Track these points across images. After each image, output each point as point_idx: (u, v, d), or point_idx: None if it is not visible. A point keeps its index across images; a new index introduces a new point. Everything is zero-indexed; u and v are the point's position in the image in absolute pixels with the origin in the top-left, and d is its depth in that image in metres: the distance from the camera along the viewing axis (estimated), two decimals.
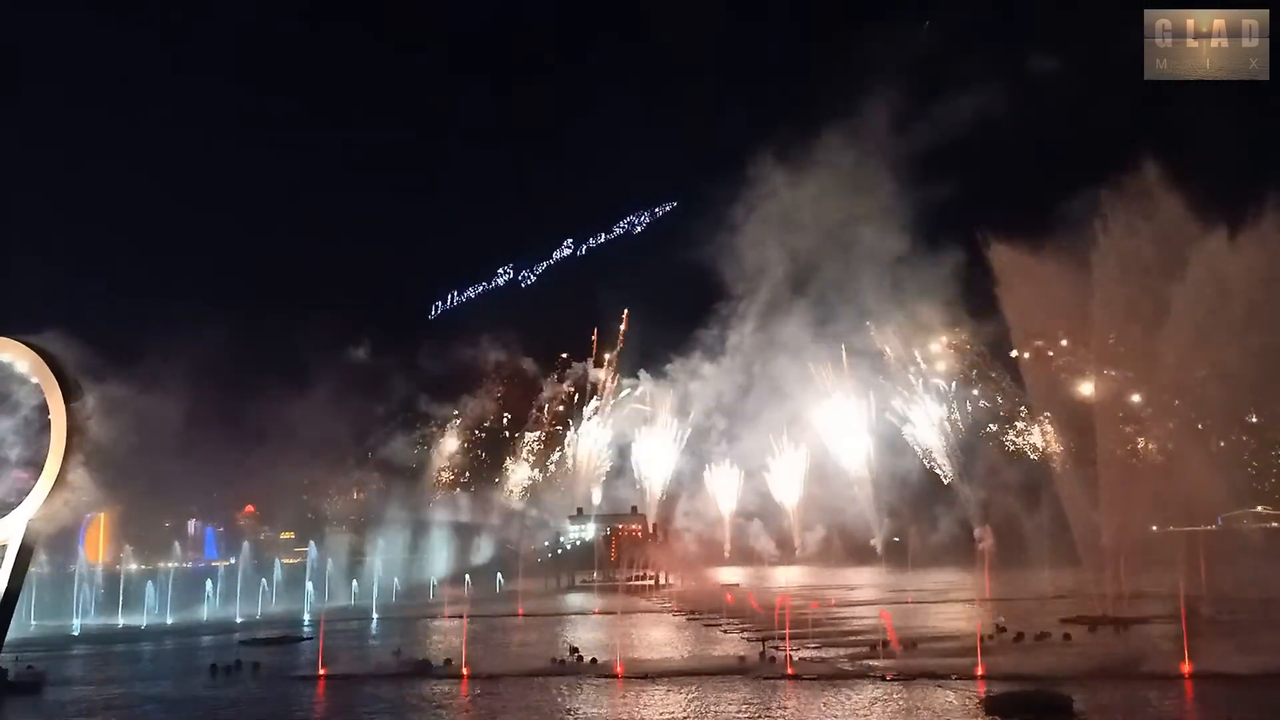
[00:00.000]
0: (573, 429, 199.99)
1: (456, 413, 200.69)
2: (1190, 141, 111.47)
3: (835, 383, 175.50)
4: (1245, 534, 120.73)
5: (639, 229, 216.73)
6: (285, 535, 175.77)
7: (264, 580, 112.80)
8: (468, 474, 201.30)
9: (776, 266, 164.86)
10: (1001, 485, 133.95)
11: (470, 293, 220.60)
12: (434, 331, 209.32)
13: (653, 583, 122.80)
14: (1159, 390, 79.63)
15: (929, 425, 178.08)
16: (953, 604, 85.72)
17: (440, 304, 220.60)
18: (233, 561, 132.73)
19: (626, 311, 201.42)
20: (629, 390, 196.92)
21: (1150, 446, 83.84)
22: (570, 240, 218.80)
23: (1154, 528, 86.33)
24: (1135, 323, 79.37)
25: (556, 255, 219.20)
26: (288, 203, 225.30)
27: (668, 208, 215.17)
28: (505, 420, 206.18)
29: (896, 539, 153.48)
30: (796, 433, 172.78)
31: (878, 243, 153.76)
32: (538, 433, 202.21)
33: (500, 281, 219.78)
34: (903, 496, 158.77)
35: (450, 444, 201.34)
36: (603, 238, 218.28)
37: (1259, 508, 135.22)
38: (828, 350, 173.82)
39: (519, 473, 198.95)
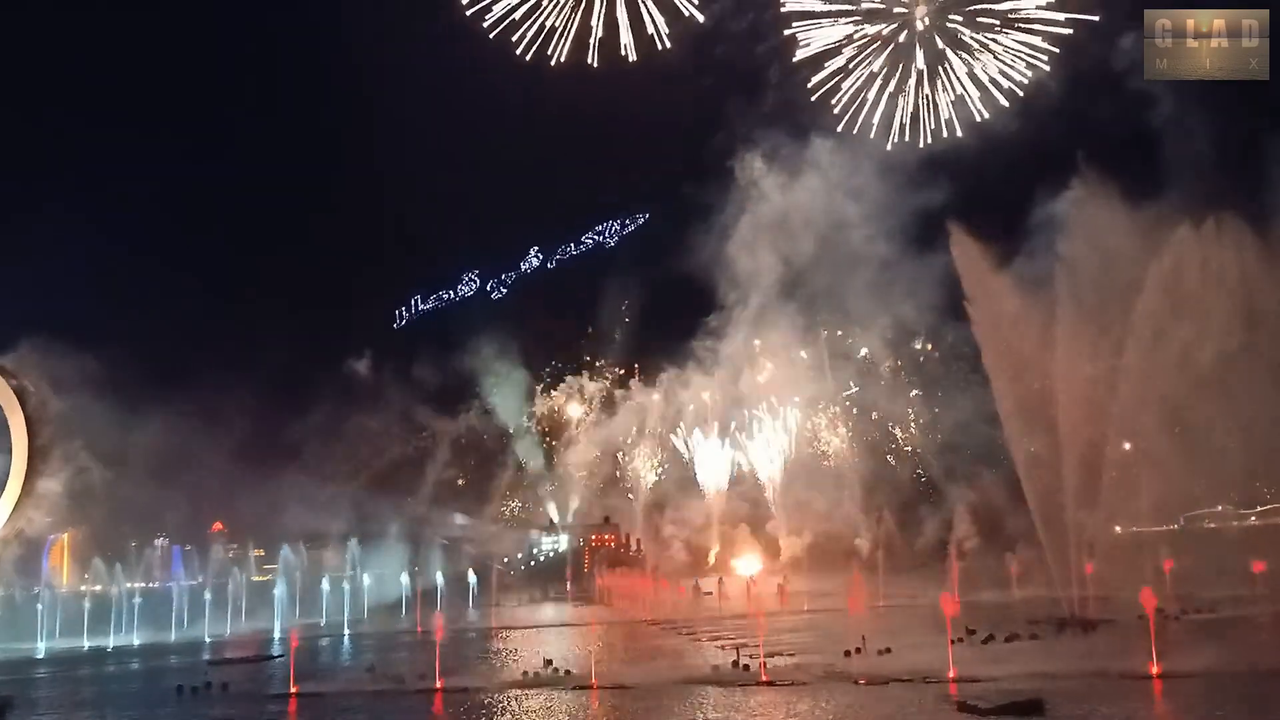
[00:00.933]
0: (561, 443, 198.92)
1: (439, 428, 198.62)
2: (1179, 141, 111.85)
3: (819, 388, 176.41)
4: (1208, 533, 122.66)
5: (625, 238, 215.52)
6: (256, 553, 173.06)
7: (232, 598, 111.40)
8: (447, 489, 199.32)
9: (767, 274, 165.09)
10: (976, 489, 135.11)
11: (437, 301, 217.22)
12: (417, 345, 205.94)
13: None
14: (1126, 392, 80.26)
15: (908, 429, 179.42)
16: (923, 607, 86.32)
17: (410, 313, 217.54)
18: (200, 580, 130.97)
19: (625, 304, 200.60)
20: (621, 400, 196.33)
21: (1116, 448, 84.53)
22: (561, 247, 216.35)
23: (1117, 529, 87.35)
24: (1103, 327, 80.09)
25: (549, 262, 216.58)
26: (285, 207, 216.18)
27: (645, 217, 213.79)
28: (492, 434, 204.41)
29: (861, 541, 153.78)
30: (780, 438, 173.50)
31: (863, 247, 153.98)
32: (526, 442, 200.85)
33: (476, 289, 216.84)
34: (888, 501, 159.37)
35: (431, 459, 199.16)
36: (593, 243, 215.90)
37: (1220, 506, 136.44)
38: (812, 356, 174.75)
39: (504, 488, 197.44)
